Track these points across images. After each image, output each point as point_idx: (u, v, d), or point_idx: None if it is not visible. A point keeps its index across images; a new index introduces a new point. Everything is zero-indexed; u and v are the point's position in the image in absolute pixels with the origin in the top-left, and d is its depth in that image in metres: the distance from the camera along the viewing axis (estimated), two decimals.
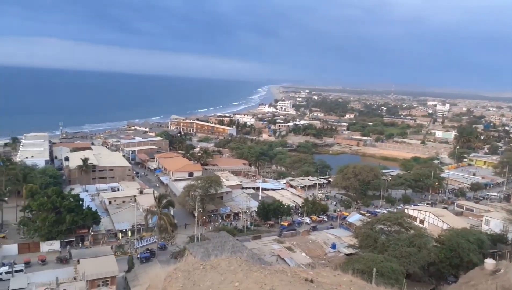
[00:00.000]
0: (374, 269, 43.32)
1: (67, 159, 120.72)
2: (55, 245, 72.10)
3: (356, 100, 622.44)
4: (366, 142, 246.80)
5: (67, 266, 62.73)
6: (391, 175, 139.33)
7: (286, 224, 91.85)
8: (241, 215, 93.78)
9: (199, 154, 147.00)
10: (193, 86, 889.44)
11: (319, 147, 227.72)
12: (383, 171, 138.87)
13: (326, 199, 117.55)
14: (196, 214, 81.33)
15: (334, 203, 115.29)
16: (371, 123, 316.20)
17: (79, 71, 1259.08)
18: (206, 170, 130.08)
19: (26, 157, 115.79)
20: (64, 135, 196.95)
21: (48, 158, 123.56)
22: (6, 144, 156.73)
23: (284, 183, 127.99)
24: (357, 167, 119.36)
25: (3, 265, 64.03)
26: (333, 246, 74.25)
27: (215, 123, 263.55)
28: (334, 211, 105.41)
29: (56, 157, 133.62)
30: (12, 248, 69.88)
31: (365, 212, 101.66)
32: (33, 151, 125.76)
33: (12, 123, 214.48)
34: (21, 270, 60.44)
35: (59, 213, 71.63)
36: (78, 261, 58.29)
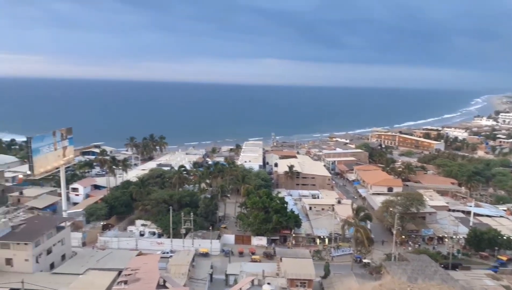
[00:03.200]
0: None
1: (276, 165, 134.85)
2: (263, 241, 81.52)
3: None
4: None
5: (271, 262, 70.07)
6: None
7: (505, 258, 78.00)
8: (446, 240, 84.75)
9: (400, 169, 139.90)
10: (399, 98, 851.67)
11: None
12: None
13: None
14: (394, 232, 78.04)
15: None
16: None
17: (292, 87, 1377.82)
18: (407, 186, 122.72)
19: (245, 161, 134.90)
20: (275, 144, 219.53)
21: (261, 163, 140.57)
22: (231, 149, 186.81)
23: (504, 210, 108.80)
24: None
25: (223, 251, 76.61)
26: None
27: (419, 137, 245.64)
28: None
29: (267, 163, 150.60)
30: (230, 238, 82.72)
31: None
32: (250, 156, 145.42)
33: (236, 132, 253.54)
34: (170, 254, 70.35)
35: (268, 213, 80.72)
36: (281, 259, 64.38)
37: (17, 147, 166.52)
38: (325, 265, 67.15)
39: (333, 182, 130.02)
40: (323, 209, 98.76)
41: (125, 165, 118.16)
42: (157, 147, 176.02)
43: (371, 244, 74.41)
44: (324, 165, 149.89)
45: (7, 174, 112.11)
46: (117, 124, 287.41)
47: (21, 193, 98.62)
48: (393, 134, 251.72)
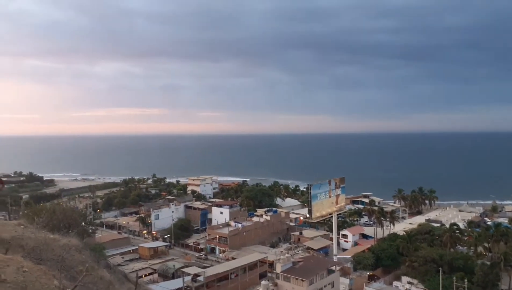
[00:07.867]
0: None
1: None
2: None
3: None
4: None
5: None
6: None
7: None
8: None
9: None
10: None
11: None
12: None
13: None
14: None
15: None
16: None
17: None
18: None
19: None
20: None
21: None
22: None
23: None
24: None
25: None
26: None
27: None
28: None
29: None
30: None
31: None
32: None
33: None
34: None
35: None
36: None
37: (299, 192, 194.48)
38: None
39: None
40: None
41: (393, 217, 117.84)
42: (426, 201, 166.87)
43: None
44: None
45: (291, 215, 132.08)
46: (387, 175, 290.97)
47: (301, 233, 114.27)
48: None
